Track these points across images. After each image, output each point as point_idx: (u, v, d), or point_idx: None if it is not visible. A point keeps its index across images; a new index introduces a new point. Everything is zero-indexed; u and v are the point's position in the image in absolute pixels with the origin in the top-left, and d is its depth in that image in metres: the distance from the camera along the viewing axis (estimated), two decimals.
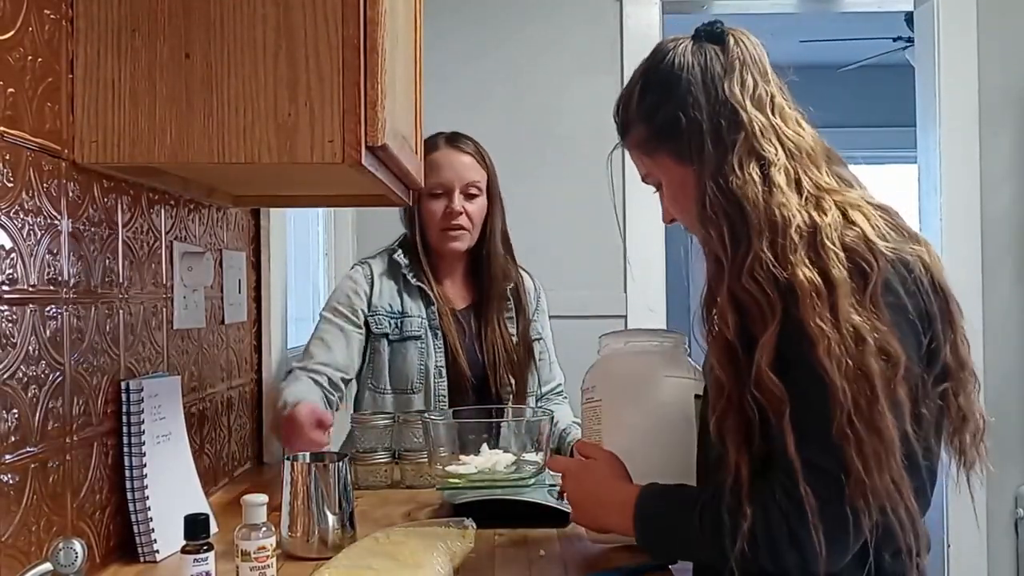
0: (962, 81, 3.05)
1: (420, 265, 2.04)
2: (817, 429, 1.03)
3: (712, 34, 1.24)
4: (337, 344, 1.98)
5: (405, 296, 2.02)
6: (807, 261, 1.07)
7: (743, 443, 1.08)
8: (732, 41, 1.22)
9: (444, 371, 1.99)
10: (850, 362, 1.02)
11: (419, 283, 2.03)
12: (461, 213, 2.01)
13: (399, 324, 2.00)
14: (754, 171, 1.14)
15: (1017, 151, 3.06)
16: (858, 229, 1.10)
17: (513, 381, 2.00)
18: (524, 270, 2.15)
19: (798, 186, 1.14)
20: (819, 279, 1.06)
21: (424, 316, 2.01)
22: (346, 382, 1.98)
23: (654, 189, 1.31)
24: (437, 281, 2.06)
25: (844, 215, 1.12)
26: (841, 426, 1.01)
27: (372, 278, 2.03)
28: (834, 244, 1.07)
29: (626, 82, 1.30)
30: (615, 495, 1.24)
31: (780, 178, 1.13)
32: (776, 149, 1.15)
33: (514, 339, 2.04)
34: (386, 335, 2.00)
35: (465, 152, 2.04)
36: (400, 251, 2.06)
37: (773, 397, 1.05)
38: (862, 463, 1.00)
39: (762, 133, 1.16)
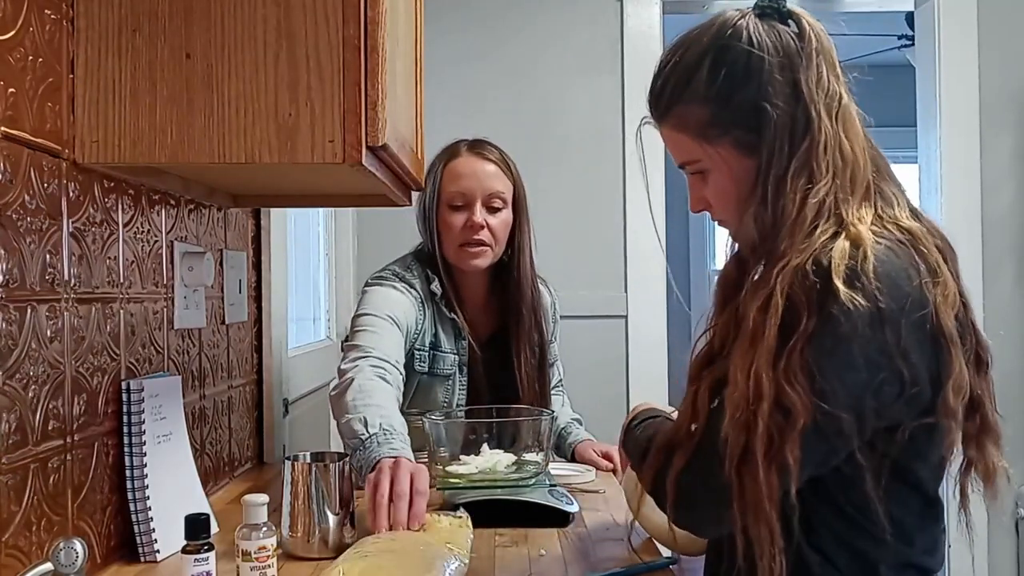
0: (963, 81, 3.05)
1: (449, 292, 1.88)
2: (703, 462, 1.06)
3: (780, 12, 1.12)
4: (390, 334, 1.76)
5: (438, 327, 1.89)
6: (762, 303, 1.03)
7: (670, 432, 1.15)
8: (805, 25, 1.12)
9: (464, 404, 1.92)
10: (743, 415, 1.01)
11: (452, 315, 1.88)
12: (483, 226, 1.84)
13: (431, 360, 1.88)
14: (798, 191, 1.07)
15: (1017, 151, 3.06)
16: (828, 266, 1.01)
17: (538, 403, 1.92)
18: (541, 279, 2.01)
19: (820, 220, 1.06)
20: (760, 325, 1.02)
21: (455, 352, 1.90)
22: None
23: (689, 174, 1.20)
24: (459, 302, 1.90)
25: (831, 248, 1.03)
26: (728, 471, 1.02)
27: (418, 306, 1.86)
28: (786, 289, 1.01)
29: (667, 57, 1.17)
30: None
31: (811, 209, 1.06)
32: (827, 169, 1.08)
33: (538, 370, 1.93)
34: (415, 370, 1.87)
35: (489, 160, 1.89)
36: (430, 273, 1.89)
37: (695, 416, 1.10)
38: (738, 509, 1.02)
39: (825, 147, 1.08)
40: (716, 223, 1.24)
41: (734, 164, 1.13)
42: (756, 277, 1.08)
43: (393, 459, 1.40)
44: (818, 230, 1.05)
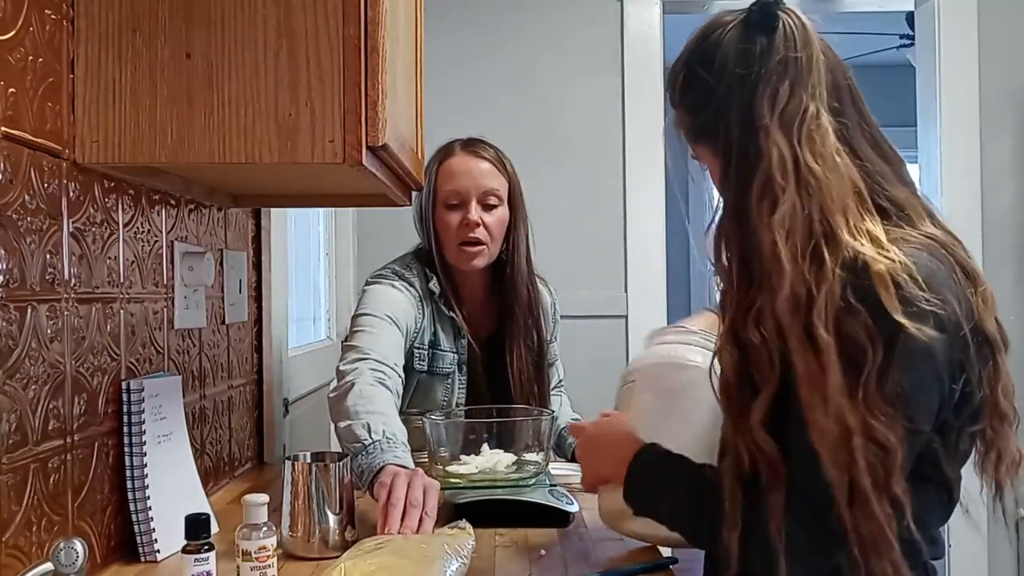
0: (963, 81, 3.05)
1: (448, 291, 1.89)
2: (803, 496, 1.01)
3: (765, 19, 1.12)
4: (389, 335, 1.76)
5: (437, 326, 1.88)
6: (802, 338, 1.00)
7: (737, 478, 1.06)
8: (781, 34, 1.11)
9: (463, 404, 1.92)
10: (841, 455, 0.98)
11: (451, 314, 1.88)
12: (479, 224, 1.84)
13: (430, 358, 1.88)
14: (765, 210, 1.06)
15: (1018, 151, 3.06)
16: (877, 298, 0.99)
17: (536, 404, 1.92)
18: (540, 278, 2.01)
19: (803, 238, 1.04)
20: (812, 362, 0.99)
21: (454, 351, 1.89)
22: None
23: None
24: (458, 301, 1.90)
25: (870, 278, 1.00)
26: (839, 516, 0.99)
27: (417, 305, 1.85)
28: (826, 325, 0.99)
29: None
30: (620, 449, 1.24)
31: (780, 229, 1.04)
32: (787, 186, 1.05)
33: (536, 369, 1.93)
34: (414, 368, 1.87)
35: (483, 158, 1.89)
36: (428, 271, 1.89)
37: (764, 455, 1.04)
38: (860, 552, 0.99)
39: (780, 166, 1.06)
40: None
41: (711, 165, 1.18)
42: (775, 306, 1.03)
43: (402, 466, 1.42)
44: (823, 255, 1.03)
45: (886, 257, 1.01)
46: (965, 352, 1.04)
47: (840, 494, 0.98)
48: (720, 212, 1.14)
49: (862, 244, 1.03)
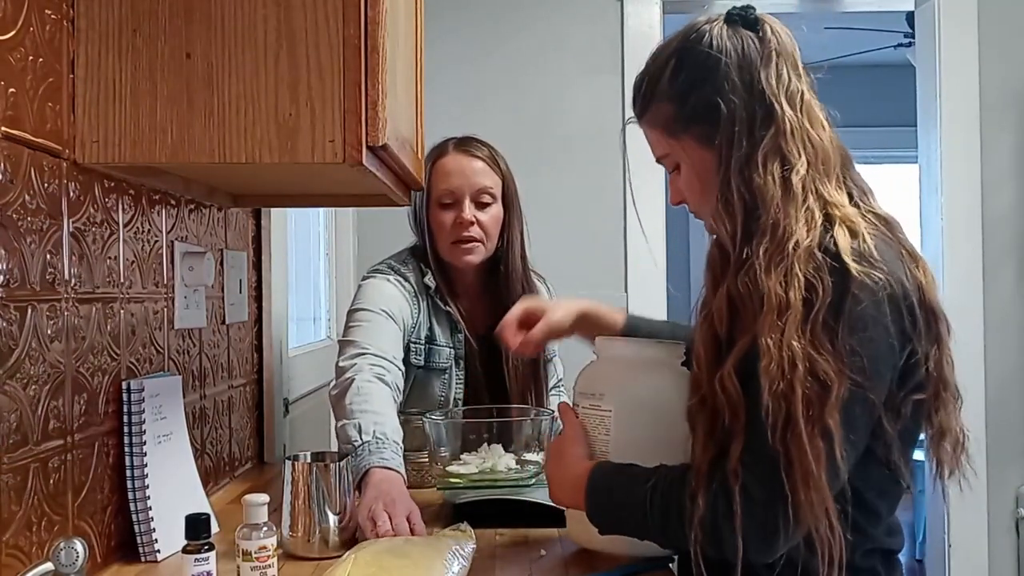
0: (963, 81, 3.04)
1: (444, 286, 1.89)
2: (756, 440, 1.07)
3: (747, 20, 1.20)
4: (386, 329, 1.76)
5: (433, 321, 1.88)
6: (782, 277, 1.08)
7: (708, 433, 1.13)
8: (768, 29, 1.19)
9: (462, 402, 1.91)
10: (781, 384, 1.05)
11: (447, 308, 1.89)
12: (472, 222, 1.85)
13: (427, 353, 1.87)
14: (776, 171, 1.13)
15: (1018, 151, 3.06)
16: (836, 248, 1.09)
17: (533, 401, 1.92)
18: (538, 275, 2.01)
19: (807, 197, 1.13)
20: (783, 297, 1.07)
21: (451, 346, 1.89)
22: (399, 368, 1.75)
23: (667, 170, 1.28)
24: (453, 297, 1.91)
25: (833, 232, 1.11)
26: (774, 442, 1.05)
27: (412, 299, 1.85)
28: (804, 265, 1.08)
29: (648, 59, 1.25)
30: (570, 471, 1.26)
31: (798, 186, 1.13)
32: (800, 153, 1.14)
33: (532, 365, 1.92)
34: (411, 363, 1.86)
35: (476, 156, 1.89)
36: (424, 267, 1.90)
37: (731, 399, 1.10)
38: (788, 481, 1.05)
39: (792, 133, 1.14)
40: (693, 215, 1.29)
41: (695, 156, 1.21)
42: (763, 251, 1.11)
43: (388, 468, 1.44)
44: (813, 207, 1.12)
45: (851, 220, 1.12)
46: (912, 323, 1.11)
47: (777, 421, 1.04)
48: (724, 180, 1.17)
49: (842, 206, 1.14)
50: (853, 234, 1.10)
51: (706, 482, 1.10)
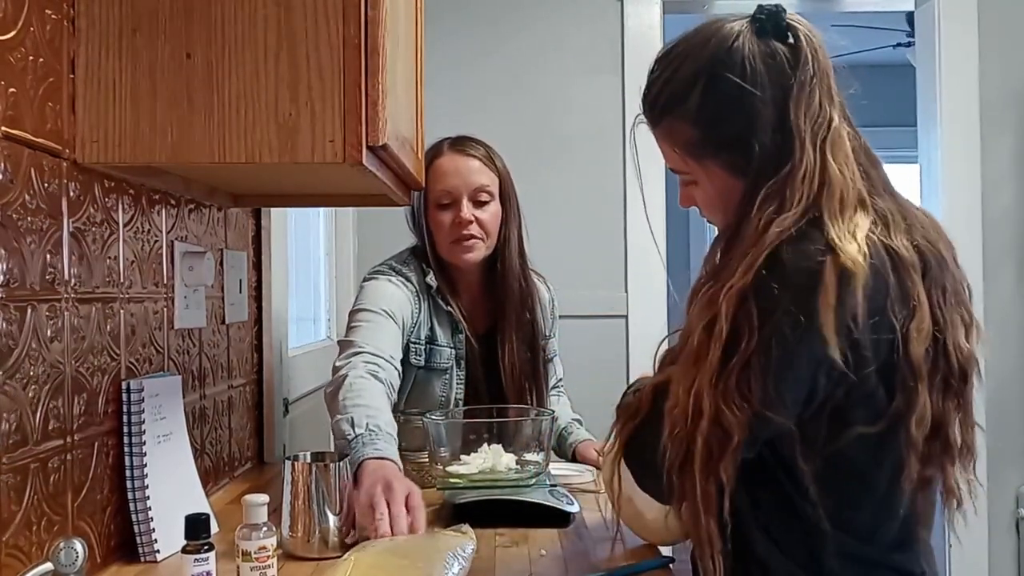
0: (963, 81, 3.04)
1: (446, 286, 1.89)
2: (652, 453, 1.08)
3: (779, 28, 1.12)
4: (385, 329, 1.77)
5: (434, 321, 1.88)
6: (705, 321, 1.05)
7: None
8: (803, 40, 1.11)
9: (462, 402, 1.92)
10: (682, 431, 1.04)
11: (448, 308, 1.89)
12: (471, 221, 1.85)
13: (427, 353, 1.88)
14: (767, 214, 1.07)
15: (1018, 151, 3.06)
16: (791, 291, 1.02)
17: (533, 401, 1.93)
18: (538, 274, 2.02)
19: (783, 241, 1.06)
20: (702, 342, 1.04)
21: (452, 346, 1.90)
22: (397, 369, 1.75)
23: (681, 181, 1.23)
24: (454, 296, 1.91)
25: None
26: (666, 476, 1.06)
27: (414, 299, 1.86)
28: (725, 309, 1.03)
29: (664, 61, 1.19)
30: None
31: (772, 235, 1.05)
32: (800, 199, 1.07)
33: (530, 364, 1.93)
34: (412, 364, 1.86)
35: (472, 156, 1.90)
36: (425, 267, 1.89)
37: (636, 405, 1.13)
38: (679, 509, 1.08)
39: (803, 176, 1.08)
40: (705, 219, 1.26)
41: (720, 183, 1.16)
42: (704, 292, 1.08)
43: (383, 458, 1.43)
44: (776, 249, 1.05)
45: (842, 262, 1.02)
46: (887, 380, 1.06)
47: (673, 464, 1.05)
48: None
49: (838, 243, 1.04)
50: (841, 285, 1.01)
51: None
